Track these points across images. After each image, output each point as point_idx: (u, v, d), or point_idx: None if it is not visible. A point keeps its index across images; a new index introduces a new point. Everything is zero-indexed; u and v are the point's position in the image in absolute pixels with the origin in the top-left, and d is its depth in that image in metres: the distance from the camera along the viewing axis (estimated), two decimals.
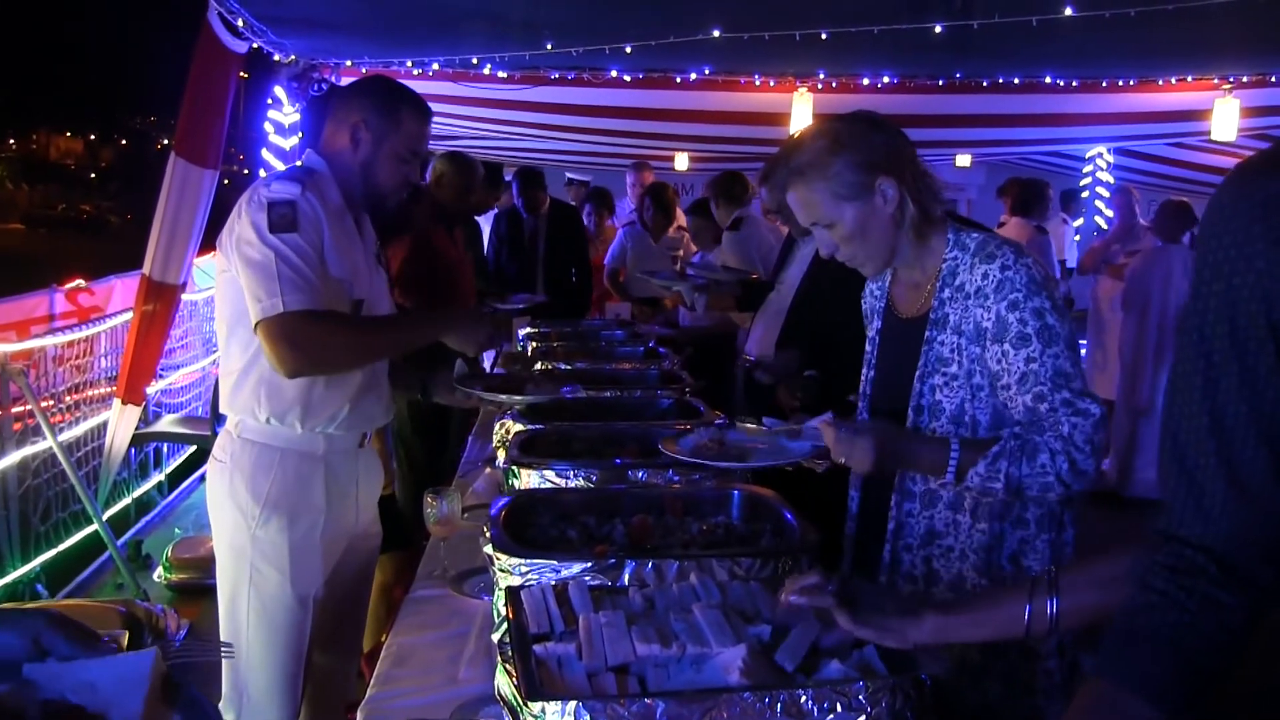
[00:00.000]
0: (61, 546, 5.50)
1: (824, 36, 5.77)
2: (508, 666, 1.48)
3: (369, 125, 2.72)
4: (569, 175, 10.79)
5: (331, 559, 2.78)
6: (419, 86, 7.80)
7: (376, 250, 2.92)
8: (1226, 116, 7.31)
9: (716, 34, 5.91)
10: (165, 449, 7.10)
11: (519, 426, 2.97)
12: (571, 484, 2.48)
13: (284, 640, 2.69)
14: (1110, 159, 12.28)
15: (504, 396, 2.98)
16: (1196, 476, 1.21)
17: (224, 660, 2.70)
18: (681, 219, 7.11)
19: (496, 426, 3.14)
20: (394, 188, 2.79)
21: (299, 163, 2.84)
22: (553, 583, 1.80)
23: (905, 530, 2.19)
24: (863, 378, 2.38)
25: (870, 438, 2.01)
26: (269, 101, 7.06)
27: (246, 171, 7.10)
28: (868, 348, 2.39)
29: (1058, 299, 2.04)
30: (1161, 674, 1.20)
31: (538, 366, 3.97)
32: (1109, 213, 11.10)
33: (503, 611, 1.70)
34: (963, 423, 2.08)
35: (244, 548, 2.68)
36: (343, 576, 2.85)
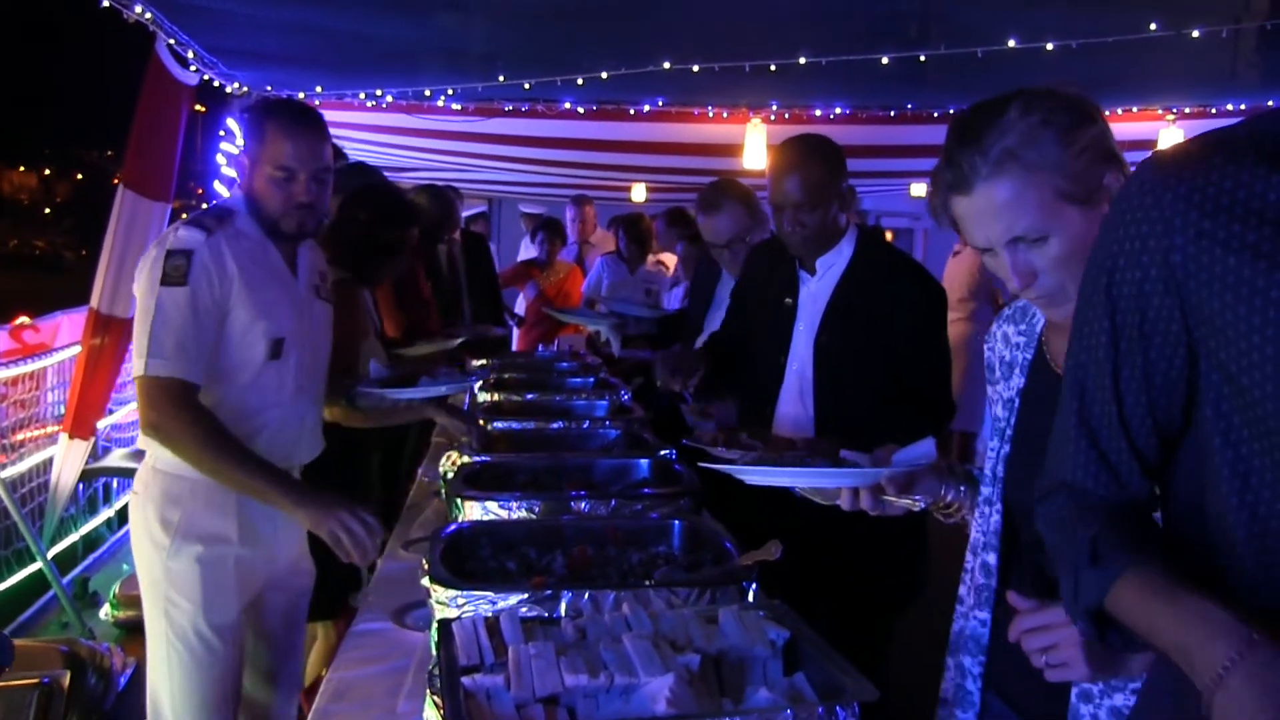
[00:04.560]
0: (3, 585, 5.40)
1: (773, 68, 5.84)
2: (435, 699, 1.48)
3: (245, 150, 2.70)
4: (522, 208, 10.81)
5: (248, 592, 2.74)
6: (372, 119, 7.88)
7: (317, 282, 2.90)
8: None
9: (667, 65, 5.96)
10: (115, 484, 7.00)
11: (465, 458, 2.97)
12: (514, 515, 2.47)
13: (202, 674, 2.64)
14: None
15: (404, 391, 3.06)
16: (1111, 459, 1.24)
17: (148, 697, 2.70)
18: (659, 251, 7.16)
19: (443, 458, 3.13)
20: (281, 210, 2.67)
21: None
22: (487, 615, 1.79)
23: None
24: (991, 453, 1.81)
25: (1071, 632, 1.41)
26: (221, 134, 7.03)
27: (205, 205, 7.03)
28: (999, 412, 1.81)
29: None
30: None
31: (488, 397, 3.98)
32: None
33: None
34: None
35: (159, 580, 2.65)
36: (271, 612, 2.84)
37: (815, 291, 3.03)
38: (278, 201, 2.67)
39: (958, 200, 1.58)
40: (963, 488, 1.95)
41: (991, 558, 1.77)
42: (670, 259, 7.05)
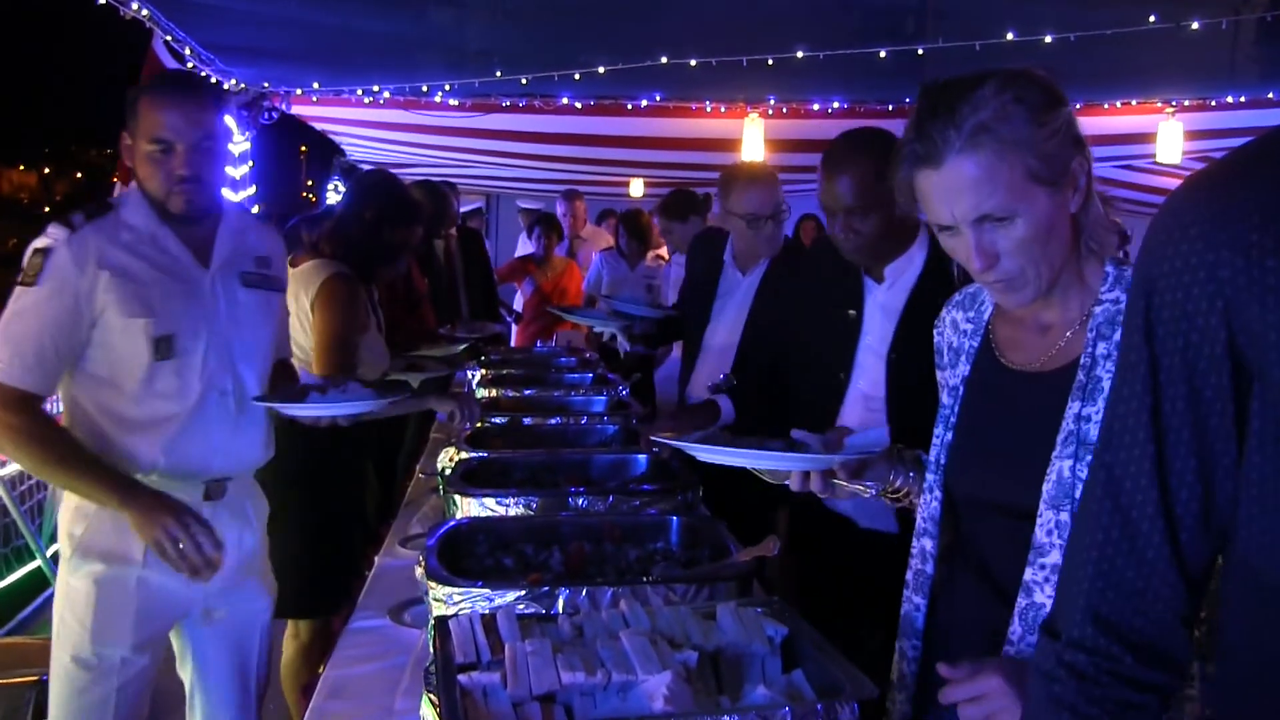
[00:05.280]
0: (3, 583, 5.40)
1: (770, 62, 5.82)
2: (431, 696, 1.47)
3: (127, 130, 2.48)
4: (520, 204, 10.79)
5: (155, 619, 2.52)
6: (369, 114, 7.86)
7: (248, 268, 2.66)
8: (1170, 139, 7.40)
9: (664, 60, 5.94)
10: None
11: (463, 454, 2.96)
12: (511, 512, 2.47)
13: (78, 705, 2.43)
14: None
15: (297, 407, 2.65)
16: (1132, 515, 1.12)
17: None
18: (659, 246, 7.14)
19: (441, 454, 3.12)
20: (163, 189, 2.46)
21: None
22: (483, 612, 1.78)
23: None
24: (935, 440, 1.80)
25: (999, 677, 1.45)
26: None
27: None
28: (945, 399, 1.81)
29: None
30: None
31: (487, 393, 3.97)
32: None
33: None
34: None
35: (59, 595, 2.48)
36: (211, 638, 2.66)
37: (885, 302, 2.72)
38: (159, 180, 2.45)
39: (926, 174, 1.54)
40: (911, 473, 1.92)
41: (929, 544, 1.78)
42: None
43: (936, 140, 1.50)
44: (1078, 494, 1.52)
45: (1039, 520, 1.56)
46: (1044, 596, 1.55)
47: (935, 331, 1.89)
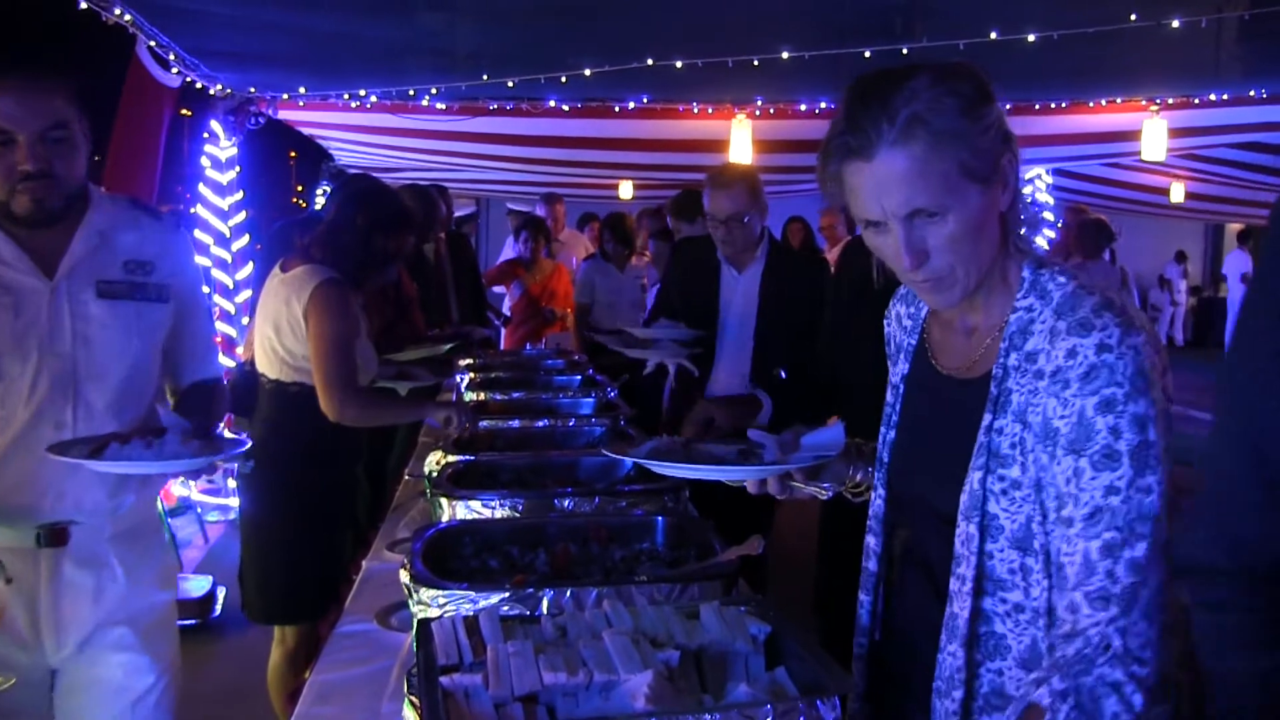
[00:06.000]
0: None
1: (755, 63, 5.84)
2: (413, 698, 1.47)
3: None
4: (509, 206, 10.80)
5: None
6: (357, 119, 7.86)
7: (113, 276, 2.32)
8: (1155, 136, 7.44)
9: (650, 62, 5.96)
10: None
11: (450, 457, 2.96)
12: (497, 514, 2.46)
13: None
14: (1049, 180, 12.44)
15: (98, 463, 2.16)
16: None
17: None
18: (644, 248, 7.15)
19: (429, 458, 3.12)
20: (3, 190, 2.15)
21: None
22: (467, 614, 1.78)
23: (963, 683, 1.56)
24: (880, 437, 1.77)
25: None
26: (205, 135, 7.01)
27: (194, 210, 7.04)
28: (889, 396, 1.77)
29: (1164, 398, 1.41)
30: None
31: (475, 396, 3.97)
32: (1050, 234, 11.25)
33: None
34: (1030, 549, 1.48)
35: None
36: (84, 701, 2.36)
37: None
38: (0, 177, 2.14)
39: (856, 167, 1.46)
40: (870, 468, 1.87)
41: (874, 542, 1.77)
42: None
43: (869, 132, 1.44)
44: (988, 507, 1.50)
45: (956, 530, 1.53)
46: (959, 606, 1.53)
47: (885, 323, 1.86)
